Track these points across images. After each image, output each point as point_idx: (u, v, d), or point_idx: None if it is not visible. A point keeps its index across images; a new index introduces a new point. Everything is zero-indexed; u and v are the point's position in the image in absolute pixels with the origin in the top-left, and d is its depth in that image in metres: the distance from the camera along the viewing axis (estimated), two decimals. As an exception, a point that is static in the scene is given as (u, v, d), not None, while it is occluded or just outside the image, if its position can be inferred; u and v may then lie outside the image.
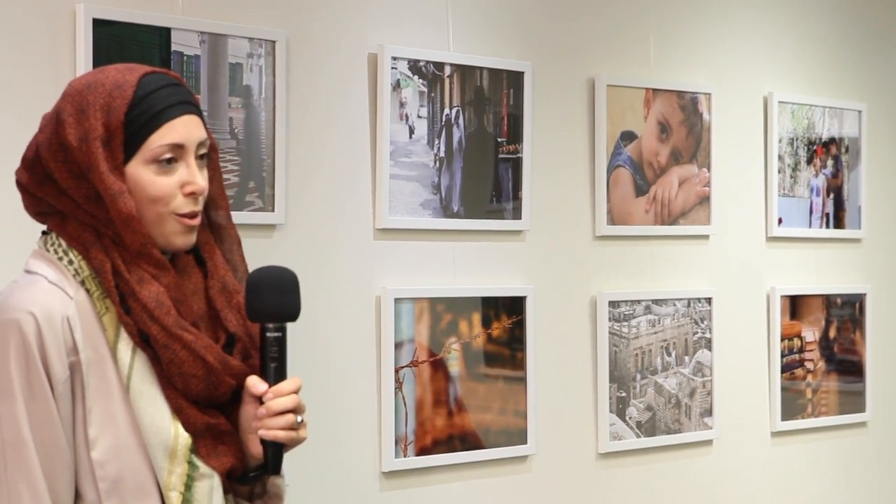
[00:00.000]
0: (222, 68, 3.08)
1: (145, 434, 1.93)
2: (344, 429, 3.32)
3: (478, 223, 3.58)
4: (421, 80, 3.45)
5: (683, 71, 4.15)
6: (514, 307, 3.65)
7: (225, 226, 2.13)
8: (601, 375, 3.87)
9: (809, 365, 4.51)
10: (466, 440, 3.54)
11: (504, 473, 3.66)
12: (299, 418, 2.02)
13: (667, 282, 4.08)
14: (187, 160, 1.99)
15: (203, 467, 1.98)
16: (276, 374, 2.02)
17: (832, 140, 4.61)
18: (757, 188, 4.38)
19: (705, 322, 4.13)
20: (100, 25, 2.85)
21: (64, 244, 1.97)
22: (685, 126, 4.08)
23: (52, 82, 2.76)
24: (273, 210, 3.17)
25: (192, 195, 1.99)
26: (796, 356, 4.47)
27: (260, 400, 2.01)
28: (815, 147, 4.54)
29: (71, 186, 1.94)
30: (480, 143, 3.59)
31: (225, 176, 3.05)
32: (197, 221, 2.02)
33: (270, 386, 2.01)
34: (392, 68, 3.38)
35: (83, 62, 2.81)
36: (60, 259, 1.96)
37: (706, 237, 4.19)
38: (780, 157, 4.40)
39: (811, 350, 4.52)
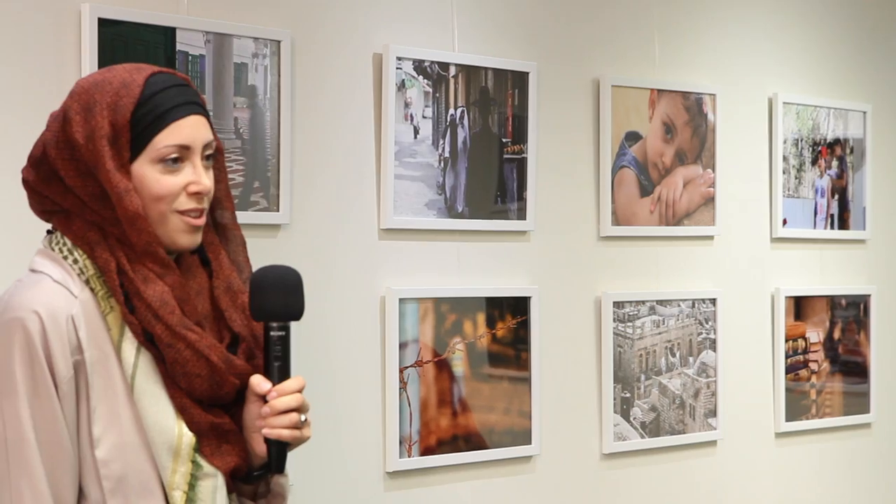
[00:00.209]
0: (227, 68, 3.09)
1: (149, 433, 1.93)
2: (348, 429, 3.32)
3: (482, 223, 3.58)
4: (426, 81, 3.45)
5: (688, 71, 4.14)
6: (518, 307, 3.65)
7: (230, 226, 2.13)
8: (605, 376, 3.87)
9: (814, 366, 4.51)
10: (471, 440, 3.54)
11: (508, 474, 3.66)
12: (303, 417, 2.02)
13: (671, 282, 4.08)
14: (193, 160, 1.99)
15: (207, 467, 1.98)
16: (279, 373, 2.02)
17: (837, 141, 4.61)
18: (761, 189, 4.38)
19: (710, 323, 4.13)
20: (105, 25, 2.85)
21: (69, 243, 1.97)
22: (690, 127, 4.08)
23: (58, 82, 2.76)
24: (278, 210, 3.17)
25: (197, 195, 1.99)
26: (801, 357, 4.47)
27: (264, 399, 2.01)
28: (819, 148, 4.53)
29: (77, 185, 1.95)
30: (485, 143, 3.59)
31: (230, 176, 3.05)
32: (202, 221, 2.02)
33: (274, 385, 2.01)
34: (397, 68, 3.38)
35: (88, 62, 2.82)
36: (65, 258, 1.96)
37: (711, 238, 4.19)
38: (784, 158, 4.40)
39: (815, 351, 4.52)
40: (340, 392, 3.30)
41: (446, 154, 3.50)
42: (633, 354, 3.93)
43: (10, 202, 2.52)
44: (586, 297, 3.87)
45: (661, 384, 4.00)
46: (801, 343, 4.46)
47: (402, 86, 3.40)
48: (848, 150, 4.65)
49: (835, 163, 4.59)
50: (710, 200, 4.13)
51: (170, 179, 1.97)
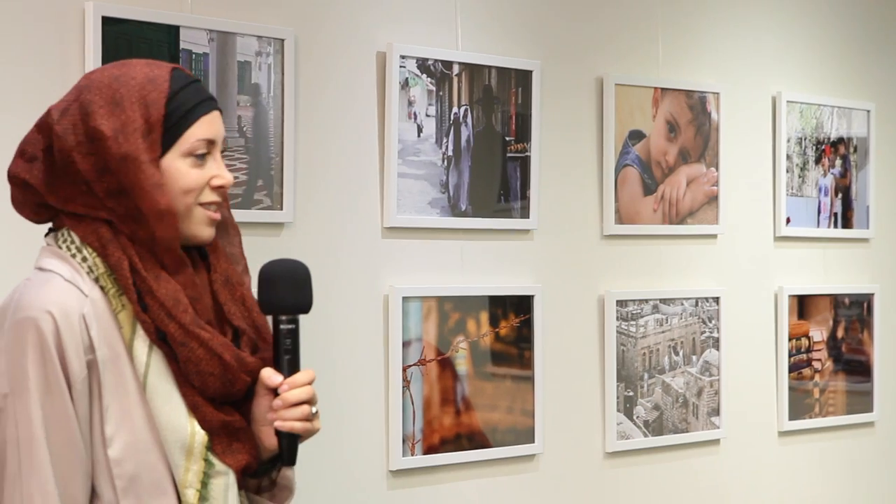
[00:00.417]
0: (231, 66, 3.09)
1: (162, 432, 1.93)
2: (351, 427, 3.32)
3: (486, 222, 3.58)
4: (429, 79, 3.45)
5: (692, 70, 4.14)
6: (521, 306, 3.65)
7: (226, 219, 2.13)
8: (609, 374, 3.87)
9: (817, 365, 4.51)
10: (474, 439, 3.54)
11: (511, 472, 3.66)
12: (314, 409, 2.04)
13: (674, 281, 4.08)
14: (215, 155, 2.02)
15: (219, 465, 1.98)
16: (290, 365, 2.04)
17: (840, 140, 4.60)
18: (765, 188, 4.37)
19: (713, 321, 4.13)
20: (109, 23, 2.85)
21: (77, 241, 1.96)
22: (693, 125, 4.08)
23: (62, 80, 2.76)
24: (281, 208, 3.17)
25: (221, 188, 2.02)
26: (804, 356, 4.46)
27: (274, 392, 2.02)
28: (823, 147, 4.53)
29: (93, 179, 1.93)
30: (489, 141, 3.59)
31: (234, 174, 3.06)
32: (219, 215, 2.05)
33: (285, 378, 2.02)
34: (400, 67, 3.38)
35: (92, 60, 2.82)
36: (73, 256, 1.95)
37: (714, 237, 4.19)
38: (788, 157, 4.40)
39: (819, 350, 4.52)
40: (344, 390, 3.30)
41: (450, 152, 3.50)
42: (636, 353, 3.93)
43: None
44: (589, 296, 3.87)
45: (665, 383, 3.99)
46: (804, 342, 4.46)
47: (405, 84, 3.40)
48: (851, 149, 4.64)
49: (838, 161, 4.59)
50: (713, 199, 4.13)
51: (197, 173, 1.99)
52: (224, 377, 1.98)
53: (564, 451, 3.79)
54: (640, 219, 3.95)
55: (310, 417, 2.03)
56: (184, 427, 1.94)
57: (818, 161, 4.51)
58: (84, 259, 1.95)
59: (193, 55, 3.01)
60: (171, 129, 1.96)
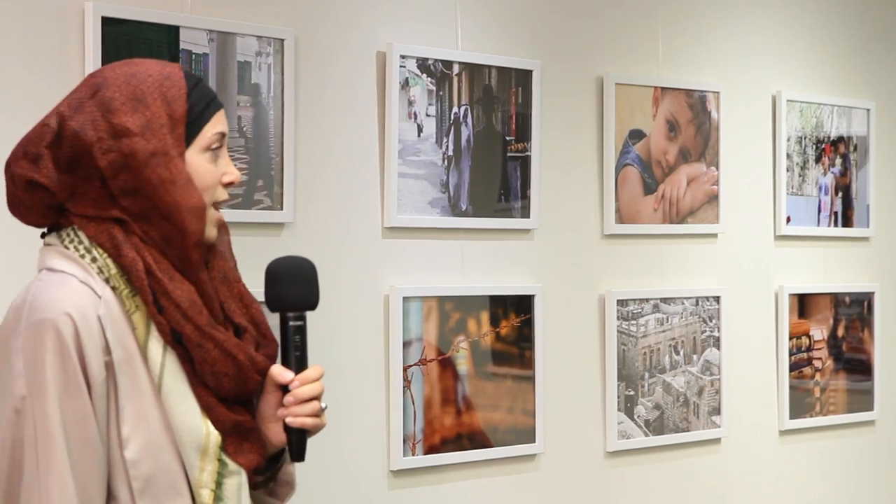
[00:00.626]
0: (231, 67, 3.09)
1: (177, 432, 1.93)
2: (352, 427, 3.32)
3: (486, 222, 3.58)
4: (429, 79, 3.45)
5: (692, 69, 4.14)
6: (522, 306, 3.65)
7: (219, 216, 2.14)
8: (609, 374, 3.87)
9: (818, 363, 4.51)
10: (475, 439, 3.54)
11: (512, 472, 3.66)
12: (323, 405, 2.06)
13: (675, 280, 4.08)
14: (224, 150, 2.03)
15: (231, 465, 1.99)
16: (299, 362, 2.06)
17: (841, 138, 4.60)
18: (765, 187, 4.37)
19: (713, 321, 4.13)
20: (109, 24, 2.85)
21: (85, 241, 1.94)
22: (694, 124, 4.08)
23: (62, 81, 2.76)
24: (281, 208, 3.17)
25: (231, 184, 2.04)
26: (804, 355, 4.46)
27: (283, 388, 2.03)
28: (823, 145, 4.53)
29: (109, 176, 1.91)
30: (489, 141, 3.59)
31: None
32: (222, 216, 2.07)
33: (295, 374, 2.04)
34: (400, 66, 3.37)
35: (92, 60, 2.82)
36: (82, 257, 1.93)
37: (714, 236, 4.19)
38: (788, 156, 4.40)
39: (819, 349, 4.51)
40: (344, 390, 3.30)
41: (450, 152, 3.50)
42: (636, 352, 3.92)
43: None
44: (590, 296, 3.87)
45: (665, 382, 3.99)
46: (804, 341, 4.46)
47: (405, 84, 3.39)
48: (851, 148, 4.64)
49: (838, 160, 4.59)
50: (713, 198, 4.13)
51: (213, 168, 2.01)
52: (238, 377, 1.99)
53: (565, 451, 3.79)
54: (640, 218, 3.95)
55: (319, 413, 2.05)
56: (199, 428, 1.94)
57: (818, 160, 4.51)
58: (94, 259, 1.93)
59: (193, 55, 3.01)
60: (191, 124, 1.97)
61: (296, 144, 3.21)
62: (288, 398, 2.03)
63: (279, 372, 2.04)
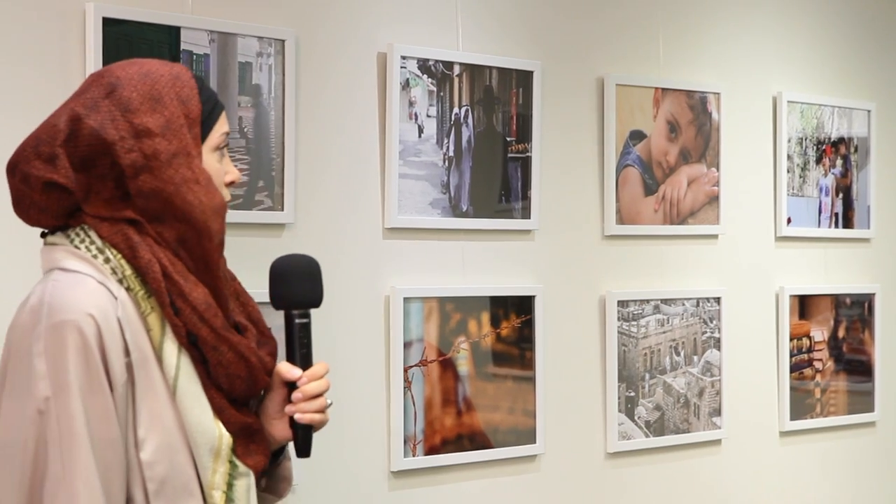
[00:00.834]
0: (232, 67, 3.09)
1: (191, 434, 1.93)
2: (353, 428, 3.32)
3: (487, 222, 3.58)
4: (430, 80, 3.45)
5: (693, 70, 4.14)
6: (522, 306, 3.65)
7: None
8: (610, 375, 3.87)
9: (818, 365, 4.51)
10: (475, 440, 3.54)
11: (513, 473, 3.66)
12: (329, 401, 2.07)
13: (676, 281, 4.08)
14: (225, 150, 2.04)
15: (241, 466, 1.99)
16: (305, 359, 2.07)
17: (841, 139, 4.60)
18: (766, 188, 4.37)
19: (714, 322, 4.13)
20: (109, 24, 2.85)
21: (98, 241, 1.93)
22: (694, 125, 4.08)
23: (62, 81, 2.76)
24: (282, 209, 3.17)
25: (232, 184, 2.04)
26: (805, 356, 4.46)
27: (289, 385, 2.05)
28: (824, 147, 4.53)
29: (129, 176, 1.90)
30: (489, 142, 3.59)
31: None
32: None
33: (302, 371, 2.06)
34: (401, 67, 3.37)
35: (93, 61, 2.82)
36: (95, 257, 1.92)
37: (715, 237, 4.19)
38: (789, 157, 4.40)
39: (820, 350, 4.51)
40: (345, 391, 3.30)
41: (450, 153, 3.50)
42: (637, 353, 3.92)
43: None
44: (591, 296, 3.87)
45: (666, 383, 3.99)
46: (805, 342, 4.46)
47: (406, 85, 3.39)
48: (852, 149, 4.64)
49: (839, 161, 4.59)
50: (714, 199, 4.13)
51: (220, 168, 2.02)
52: (249, 379, 2.00)
53: (566, 452, 3.79)
54: (641, 219, 3.95)
55: (325, 409, 2.07)
56: (212, 429, 1.95)
57: (819, 161, 4.51)
58: (107, 260, 1.92)
59: (194, 56, 3.01)
60: (202, 124, 1.98)
61: (297, 145, 3.21)
62: (296, 395, 2.04)
63: (287, 369, 2.05)
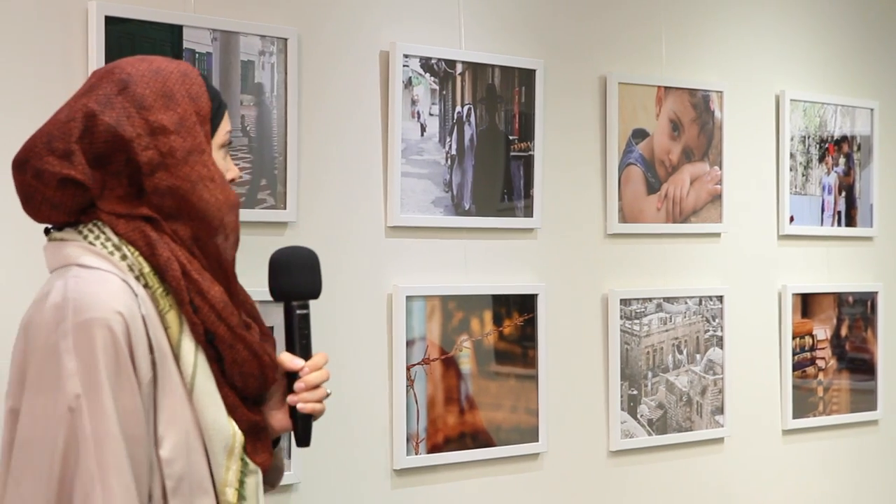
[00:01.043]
0: (234, 66, 3.09)
1: (207, 432, 1.93)
2: (355, 426, 3.32)
3: (489, 221, 3.58)
4: (433, 78, 3.45)
5: (695, 69, 4.14)
6: (525, 305, 3.65)
7: None
8: (612, 373, 3.87)
9: (821, 363, 4.51)
10: (478, 438, 3.54)
11: (515, 471, 3.66)
12: (328, 391, 2.10)
13: (678, 280, 4.08)
14: (227, 148, 2.05)
15: (251, 464, 2.01)
16: (305, 349, 2.10)
17: (844, 138, 4.60)
18: (769, 186, 4.37)
19: (717, 320, 4.13)
20: (112, 23, 2.85)
21: (114, 238, 1.92)
22: (697, 124, 4.07)
23: (65, 80, 2.77)
24: (285, 208, 3.17)
25: (232, 182, 2.04)
26: (808, 354, 4.46)
27: (290, 375, 2.07)
28: (826, 145, 4.53)
29: (146, 173, 1.90)
30: (492, 140, 3.59)
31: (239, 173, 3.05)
32: None
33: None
34: (404, 66, 3.37)
35: (95, 60, 2.82)
36: (111, 254, 1.91)
37: (718, 235, 4.19)
38: (791, 155, 4.40)
39: (823, 348, 4.51)
40: (348, 390, 3.30)
41: (453, 151, 3.50)
42: (640, 352, 3.92)
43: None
44: (593, 295, 3.87)
45: (668, 381, 3.99)
46: (808, 340, 4.46)
47: (408, 83, 3.39)
48: (855, 147, 4.64)
49: (842, 160, 4.59)
50: (717, 198, 4.13)
51: (224, 165, 2.02)
52: (261, 377, 2.01)
53: (568, 450, 3.79)
54: (643, 217, 3.95)
55: (324, 399, 2.10)
56: (227, 428, 1.96)
57: (822, 159, 4.51)
58: (124, 257, 1.91)
59: (197, 54, 3.01)
60: (211, 121, 1.99)
61: (299, 144, 3.21)
62: (299, 385, 2.06)
63: (289, 360, 2.07)
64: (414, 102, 3.41)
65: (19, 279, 2.60)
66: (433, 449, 3.44)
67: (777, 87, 4.39)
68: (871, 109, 4.69)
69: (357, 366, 3.33)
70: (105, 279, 1.87)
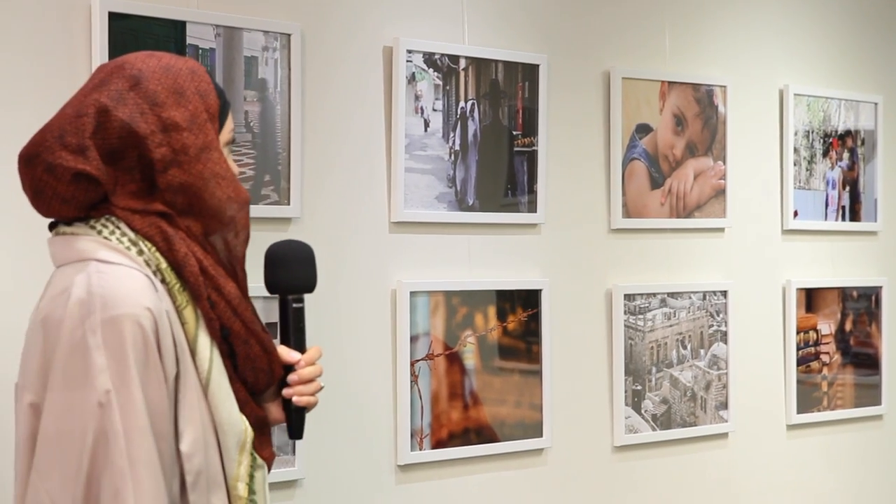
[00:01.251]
0: (238, 62, 3.09)
1: (222, 426, 1.94)
2: (360, 422, 3.32)
3: (493, 216, 3.57)
4: (436, 73, 3.45)
5: (699, 63, 4.14)
6: (529, 300, 3.65)
7: None
8: (616, 368, 3.87)
9: (825, 358, 4.50)
10: (482, 433, 3.54)
11: (519, 466, 3.66)
12: (322, 384, 2.12)
13: (682, 275, 4.08)
14: (230, 146, 2.06)
15: (259, 459, 2.02)
16: (300, 343, 2.12)
17: (848, 132, 4.59)
18: (772, 181, 4.37)
19: (721, 315, 4.13)
20: (115, 19, 2.85)
21: (130, 233, 1.92)
22: (700, 119, 4.07)
23: (68, 76, 2.77)
24: (288, 203, 3.17)
25: None
26: (812, 349, 4.46)
27: (286, 368, 2.09)
28: (830, 139, 4.52)
29: (160, 170, 1.90)
30: (495, 136, 3.58)
31: (241, 169, 3.06)
32: None
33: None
34: (407, 61, 3.37)
35: (98, 56, 2.82)
36: (128, 249, 1.91)
37: (721, 230, 4.19)
38: (795, 150, 4.39)
39: (827, 343, 4.51)
40: (352, 385, 3.30)
41: (457, 147, 3.50)
42: (644, 347, 3.92)
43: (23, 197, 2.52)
44: (597, 290, 3.87)
45: (673, 376, 3.99)
46: (812, 335, 4.46)
47: (412, 79, 3.39)
48: (859, 142, 4.64)
49: (846, 154, 4.58)
50: (720, 192, 4.13)
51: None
52: (270, 372, 2.03)
53: (572, 445, 3.79)
54: (647, 212, 3.94)
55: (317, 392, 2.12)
56: (239, 423, 1.97)
57: (826, 154, 4.51)
58: (140, 252, 1.91)
59: (200, 50, 3.01)
60: (219, 118, 2.00)
61: (303, 139, 3.21)
62: (293, 377, 2.09)
63: (286, 353, 2.09)
64: (417, 98, 3.40)
65: (19, 273, 2.60)
66: (437, 444, 3.44)
67: (781, 81, 4.39)
68: (875, 104, 4.68)
69: (361, 361, 3.33)
70: (130, 275, 1.88)
